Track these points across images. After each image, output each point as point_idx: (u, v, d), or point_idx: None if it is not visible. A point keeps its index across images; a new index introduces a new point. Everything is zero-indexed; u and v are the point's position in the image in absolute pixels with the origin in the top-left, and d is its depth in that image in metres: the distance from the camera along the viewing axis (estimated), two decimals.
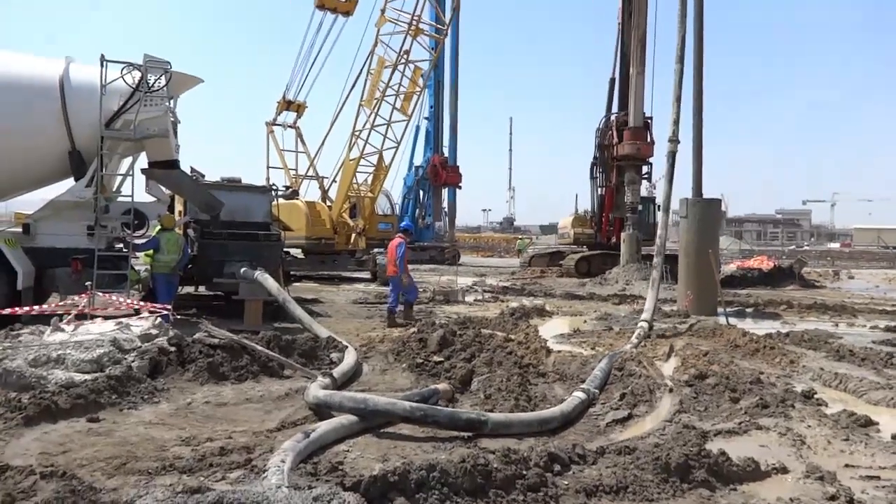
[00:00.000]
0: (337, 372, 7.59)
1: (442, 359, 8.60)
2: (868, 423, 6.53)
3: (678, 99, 14.54)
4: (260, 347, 8.19)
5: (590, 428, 6.40)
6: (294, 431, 5.72)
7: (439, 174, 38.46)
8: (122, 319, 8.80)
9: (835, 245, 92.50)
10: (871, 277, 32.40)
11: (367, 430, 5.77)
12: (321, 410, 6.21)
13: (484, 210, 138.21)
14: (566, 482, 4.72)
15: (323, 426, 5.35)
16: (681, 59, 14.54)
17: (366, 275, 24.33)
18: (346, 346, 9.08)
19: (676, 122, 14.42)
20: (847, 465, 5.40)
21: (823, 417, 6.68)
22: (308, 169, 26.87)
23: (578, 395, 6.94)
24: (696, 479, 4.82)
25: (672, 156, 14.27)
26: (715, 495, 4.71)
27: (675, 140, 14.29)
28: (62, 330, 8.13)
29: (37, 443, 5.26)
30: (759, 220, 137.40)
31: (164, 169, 11.80)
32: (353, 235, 24.04)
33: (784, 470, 5.18)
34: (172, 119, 11.94)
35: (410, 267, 23.72)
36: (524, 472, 4.61)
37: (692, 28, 15.39)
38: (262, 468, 4.53)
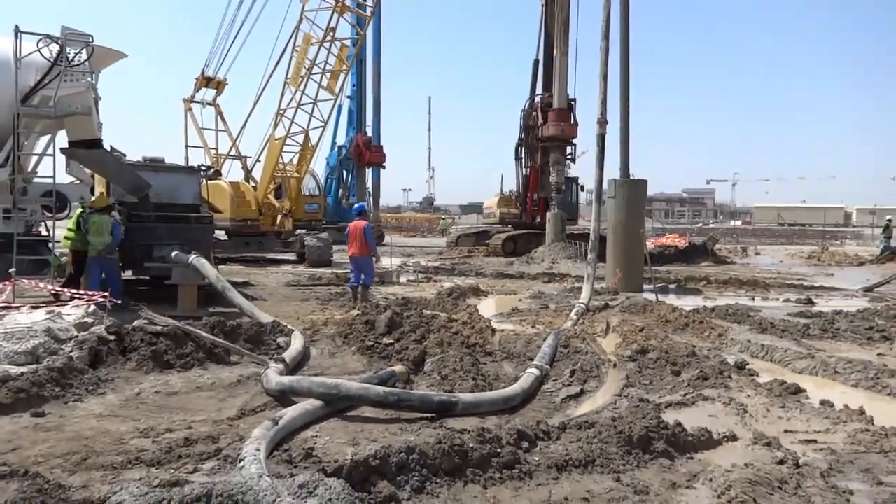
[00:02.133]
0: (287, 356, 7.48)
1: (392, 341, 8.60)
2: (798, 390, 7.02)
3: (604, 77, 14.78)
4: (205, 334, 7.97)
5: (546, 405, 6.59)
6: (255, 419, 5.65)
7: (363, 154, 38.02)
8: (53, 308, 8.35)
9: (737, 223, 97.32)
10: (774, 253, 34.39)
11: (331, 414, 5.74)
12: (282, 396, 6.12)
13: (404, 190, 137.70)
14: (536, 458, 4.85)
15: (290, 412, 5.28)
16: (606, 36, 14.79)
17: (292, 256, 23.90)
18: (293, 331, 8.94)
19: (604, 103, 14.67)
20: (787, 431, 5.79)
21: (758, 387, 7.13)
22: (230, 148, 25.94)
23: (533, 371, 7.11)
24: (657, 449, 5.05)
25: (601, 138, 14.51)
26: (675, 464, 4.95)
27: (604, 121, 14.54)
28: None
29: None
30: (667, 199, 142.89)
31: (86, 148, 11.19)
32: (279, 217, 23.50)
33: (734, 437, 5.50)
34: (94, 96, 11.32)
35: (335, 248, 23.69)
36: (498, 451, 4.71)
37: (618, 5, 15.69)
38: (234, 458, 4.45)
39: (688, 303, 13.80)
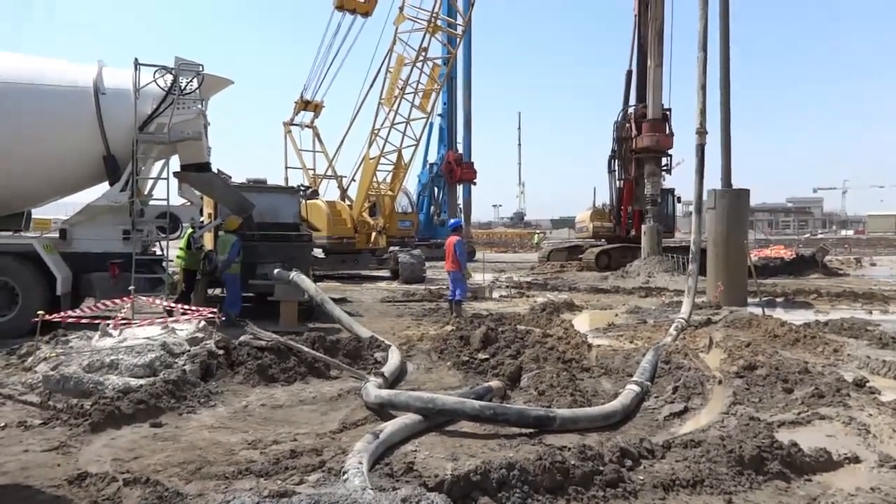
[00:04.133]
0: (387, 371, 7.60)
1: (487, 356, 8.60)
2: None
3: (703, 87, 14.37)
4: (306, 349, 8.21)
5: (648, 422, 6.38)
6: (356, 432, 5.75)
7: (454, 171, 38.40)
8: (168, 323, 8.85)
9: (848, 232, 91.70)
10: (892, 264, 32.15)
11: (430, 429, 5.78)
12: (381, 410, 6.22)
13: (494, 206, 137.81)
14: (641, 477, 4.69)
15: (389, 426, 5.35)
16: (703, 47, 14.38)
17: (386, 273, 24.36)
18: (390, 346, 9.08)
19: (703, 113, 14.25)
20: None
21: (882, 406, 6.62)
22: (327, 168, 26.92)
23: (633, 387, 6.92)
24: (771, 470, 4.80)
25: (701, 149, 14.06)
26: (791, 486, 4.68)
27: (703, 131, 14.10)
28: (110, 335, 8.19)
29: (107, 449, 5.29)
30: (770, 210, 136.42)
31: (196, 172, 11.84)
32: (374, 234, 24.04)
33: (856, 459, 5.14)
34: (204, 121, 11.97)
35: (428, 264, 23.96)
36: (601, 468, 4.60)
37: (717, 14, 15.22)
38: (338, 470, 4.54)
39: (797, 317, 13.07)
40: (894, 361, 8.58)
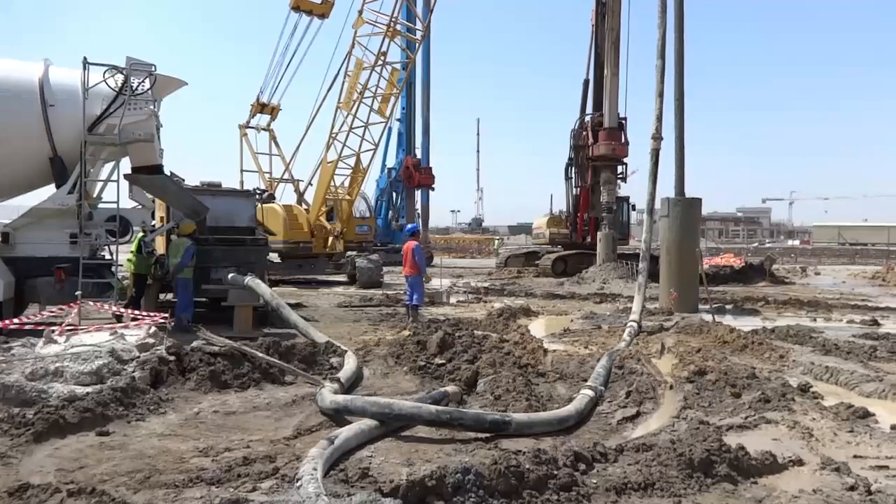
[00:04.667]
0: (342, 376, 7.54)
1: (444, 361, 8.60)
2: (866, 414, 6.72)
3: (660, 94, 14.69)
4: (260, 354, 8.10)
5: (602, 426, 6.47)
6: (311, 438, 5.70)
7: (412, 176, 38.33)
8: (116, 328, 8.63)
9: (795, 242, 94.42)
10: (836, 273, 33.24)
11: (386, 434, 5.75)
12: (336, 416, 6.17)
13: (453, 211, 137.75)
14: (594, 481, 4.76)
15: (344, 432, 5.31)
16: (661, 55, 14.73)
17: (343, 278, 24.19)
18: (346, 351, 9.02)
19: (659, 119, 14.57)
20: (856, 456, 5.55)
21: (824, 410, 6.85)
22: (284, 172, 26.58)
23: (587, 392, 7.01)
24: (719, 473, 4.91)
25: (655, 153, 14.37)
26: (738, 489, 4.80)
27: (658, 137, 14.43)
28: (55, 341, 7.94)
29: (50, 459, 5.13)
30: (721, 219, 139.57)
31: (148, 174, 11.58)
32: (331, 239, 23.86)
33: (800, 462, 5.30)
34: (156, 123, 11.74)
35: (386, 269, 23.88)
36: (555, 472, 4.64)
37: (672, 24, 15.58)
38: (292, 477, 4.49)
39: (746, 324, 13.40)
40: (836, 367, 8.89)
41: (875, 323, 13.81)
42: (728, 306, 16.92)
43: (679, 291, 15.30)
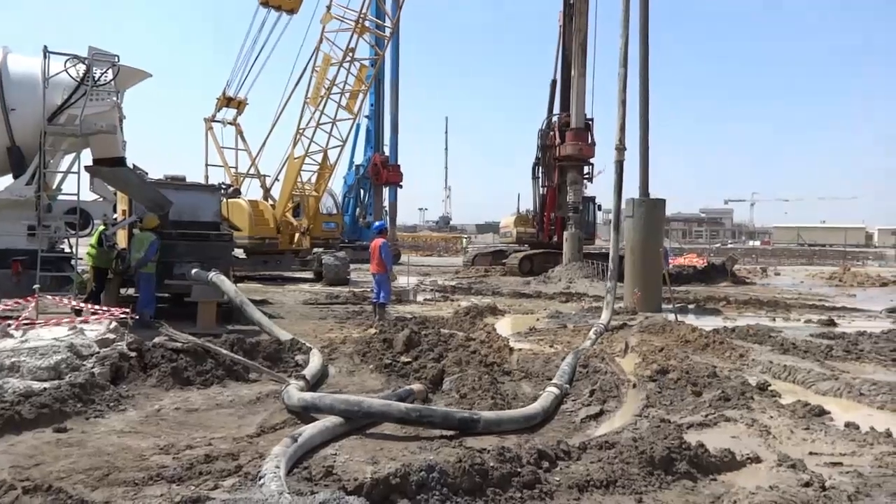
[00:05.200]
0: (308, 373, 7.49)
1: (410, 359, 8.59)
2: (822, 412, 6.89)
3: (623, 103, 14.86)
4: (224, 351, 8.00)
5: (565, 424, 6.53)
6: (275, 436, 5.65)
7: (380, 173, 38.20)
8: (75, 323, 8.43)
9: (756, 243, 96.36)
10: (794, 274, 34.04)
11: (350, 432, 5.73)
12: (303, 414, 6.12)
13: (420, 209, 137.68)
14: (557, 478, 4.80)
15: (309, 430, 5.28)
16: (624, 63, 14.88)
17: (309, 275, 24.00)
18: (311, 349, 8.96)
19: (622, 129, 14.73)
20: (812, 453, 5.69)
21: (781, 408, 7.02)
22: (249, 167, 26.23)
23: (552, 390, 7.07)
24: (679, 470, 4.99)
25: (620, 165, 14.48)
26: (697, 486, 4.89)
27: (621, 148, 14.56)
28: (11, 336, 7.73)
29: (4, 456, 5.00)
30: (685, 220, 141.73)
31: (110, 166, 11.35)
32: (297, 235, 23.64)
33: (757, 459, 5.42)
34: (119, 115, 11.51)
35: (353, 266, 23.75)
36: (519, 470, 4.67)
37: (637, 31, 15.77)
38: (254, 475, 4.44)
39: (707, 323, 13.64)
40: (794, 366, 9.10)
41: (831, 323, 14.16)
42: (691, 306, 17.22)
43: (643, 291, 15.51)
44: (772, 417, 6.66)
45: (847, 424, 6.44)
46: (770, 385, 8.05)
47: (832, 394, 7.96)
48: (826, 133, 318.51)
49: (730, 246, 78.89)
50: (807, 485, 4.83)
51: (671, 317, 13.57)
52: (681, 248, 58.99)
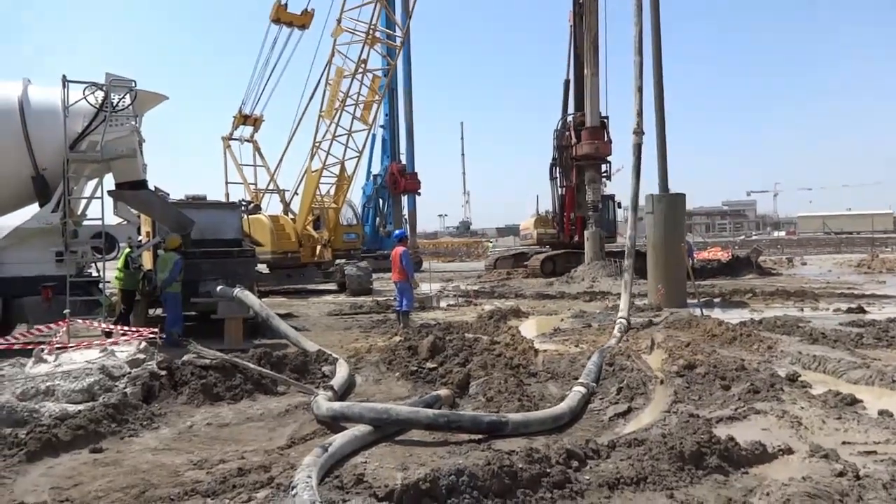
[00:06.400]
0: (335, 384, 7.56)
1: (435, 365, 8.64)
2: (854, 401, 6.80)
3: (639, 89, 14.82)
4: (252, 365, 8.10)
5: (594, 423, 6.53)
6: (305, 447, 5.71)
7: (398, 182, 38.40)
8: (106, 345, 8.60)
9: (781, 233, 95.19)
10: (821, 263, 33.57)
11: (379, 440, 5.78)
12: (332, 423, 6.18)
13: (440, 215, 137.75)
14: (587, 477, 4.80)
15: (338, 439, 5.33)
16: (639, 51, 14.87)
17: (332, 286, 24.18)
18: (337, 359, 9.04)
19: (640, 114, 14.70)
20: (844, 443, 5.61)
21: (812, 399, 6.93)
22: (269, 183, 26.59)
23: (579, 389, 7.07)
24: (710, 465, 4.97)
25: (638, 148, 14.47)
26: (729, 479, 4.85)
27: (639, 132, 14.55)
28: (45, 360, 7.91)
29: (44, 478, 5.11)
30: (707, 213, 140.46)
31: (132, 190, 11.56)
32: (319, 247, 23.84)
33: (789, 451, 5.36)
34: (138, 138, 11.71)
35: (375, 276, 23.89)
36: (548, 470, 4.68)
37: (649, 20, 15.74)
38: (287, 486, 4.50)
39: (734, 316, 13.54)
40: (824, 356, 8.99)
41: (861, 310, 13.96)
42: (716, 300, 17.07)
43: (666, 287, 15.41)
44: (803, 408, 6.58)
45: (880, 412, 6.34)
46: (800, 376, 7.96)
47: (864, 382, 7.85)
48: (849, 119, 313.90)
49: (754, 238, 78.02)
50: (840, 474, 4.77)
51: (696, 311, 13.48)
52: (704, 241, 58.52)
